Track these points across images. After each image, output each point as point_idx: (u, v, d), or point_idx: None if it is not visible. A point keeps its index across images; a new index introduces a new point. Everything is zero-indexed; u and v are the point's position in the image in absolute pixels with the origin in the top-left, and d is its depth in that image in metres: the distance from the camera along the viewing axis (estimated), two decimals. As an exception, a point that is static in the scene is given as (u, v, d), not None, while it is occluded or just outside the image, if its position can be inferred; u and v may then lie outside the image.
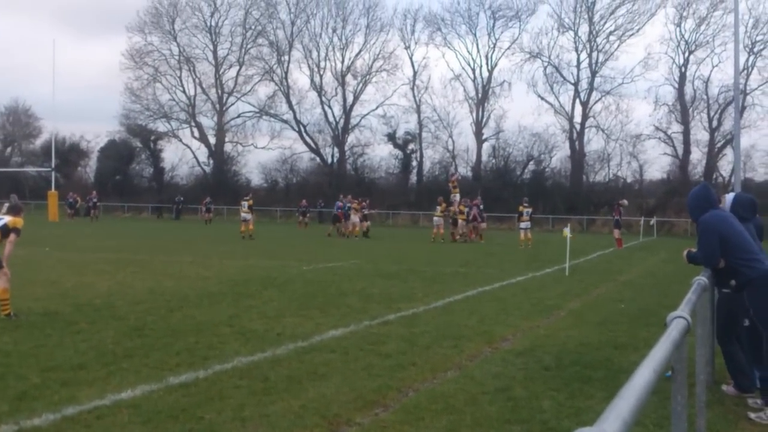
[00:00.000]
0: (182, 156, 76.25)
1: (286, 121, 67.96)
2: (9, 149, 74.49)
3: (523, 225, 30.33)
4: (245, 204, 32.67)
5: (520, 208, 30.77)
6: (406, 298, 12.64)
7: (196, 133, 69.45)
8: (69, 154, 68.85)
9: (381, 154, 73.98)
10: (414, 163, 65.11)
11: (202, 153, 69.73)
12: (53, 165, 54.84)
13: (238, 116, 69.09)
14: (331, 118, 67.39)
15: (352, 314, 10.73)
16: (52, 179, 54.05)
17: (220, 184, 63.62)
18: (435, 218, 33.57)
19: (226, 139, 69.05)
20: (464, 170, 64.40)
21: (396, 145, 65.22)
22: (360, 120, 67.41)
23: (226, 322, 9.82)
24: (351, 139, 67.53)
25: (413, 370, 7.26)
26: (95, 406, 5.74)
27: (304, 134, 67.63)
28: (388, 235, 34.35)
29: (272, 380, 6.70)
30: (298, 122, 67.68)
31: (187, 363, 7.31)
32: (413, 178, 65.27)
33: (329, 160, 67.35)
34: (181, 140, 69.75)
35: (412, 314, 10.88)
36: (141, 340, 8.44)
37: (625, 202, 32.75)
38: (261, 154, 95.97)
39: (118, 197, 63.97)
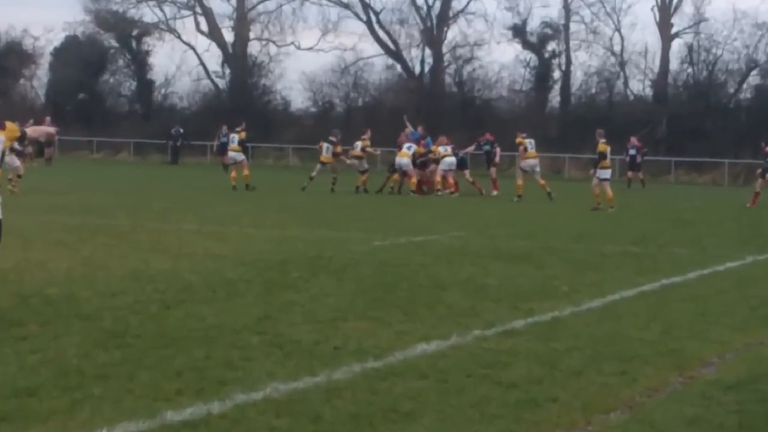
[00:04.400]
0: (182, 63, 77.13)
1: (347, 6, 68.17)
2: None
3: (526, 164, 33.28)
4: (235, 138, 35.25)
5: (519, 139, 33.56)
6: (541, 294, 12.59)
7: (204, 26, 70.31)
8: (4, 58, 70.50)
9: (501, 60, 73.30)
10: (556, 75, 64.42)
11: (213, 57, 70.65)
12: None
13: (270, -3, 69.68)
14: (420, 1, 67.22)
15: (453, 318, 10.75)
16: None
17: (242, 107, 64.22)
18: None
19: (251, 35, 69.66)
20: (640, 85, 63.44)
21: (527, 45, 64.58)
22: (467, 3, 67.02)
23: (253, 326, 9.97)
24: (452, 35, 67.37)
25: (554, 409, 7.25)
26: (53, 454, 5.93)
27: (377, 27, 67.66)
28: (510, 190, 34.16)
29: (327, 420, 6.80)
30: (366, 7, 67.80)
31: (192, 389, 7.48)
32: (554, 99, 64.71)
33: (417, 69, 67.26)
34: (179, 37, 70.94)
35: (551, 319, 10.85)
36: (121, 352, 8.65)
37: None
38: (306, 59, 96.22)
39: (82, 128, 65.10)
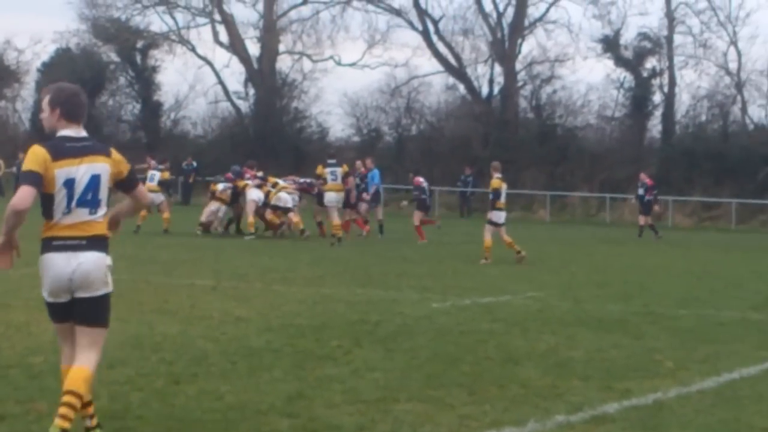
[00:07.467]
0: (196, 81, 77.71)
1: (399, 13, 68.51)
2: None
3: (328, 199, 34.49)
4: (156, 176, 37.21)
5: (320, 169, 35.63)
6: (640, 371, 12.52)
7: (224, 36, 70.82)
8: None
9: (589, 80, 73.27)
10: (657, 98, 64.28)
11: (235, 75, 71.11)
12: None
13: (304, 1, 70.05)
14: (488, 7, 67.45)
15: (530, 400, 10.71)
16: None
17: (269, 135, 64.45)
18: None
19: (281, 48, 70.11)
20: (761, 112, 63.02)
21: (620, 62, 64.52)
22: (546, 10, 67.26)
23: (282, 407, 9.97)
24: (528, 48, 67.64)
25: None
26: None
27: (435, 38, 67.88)
28: (600, 238, 34.07)
29: None
30: (423, 14, 68.06)
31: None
32: (655, 128, 64.55)
33: (484, 91, 67.39)
34: (194, 49, 71.43)
35: (652, 403, 10.78)
36: (119, 439, 8.67)
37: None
38: (349, 77, 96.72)
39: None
